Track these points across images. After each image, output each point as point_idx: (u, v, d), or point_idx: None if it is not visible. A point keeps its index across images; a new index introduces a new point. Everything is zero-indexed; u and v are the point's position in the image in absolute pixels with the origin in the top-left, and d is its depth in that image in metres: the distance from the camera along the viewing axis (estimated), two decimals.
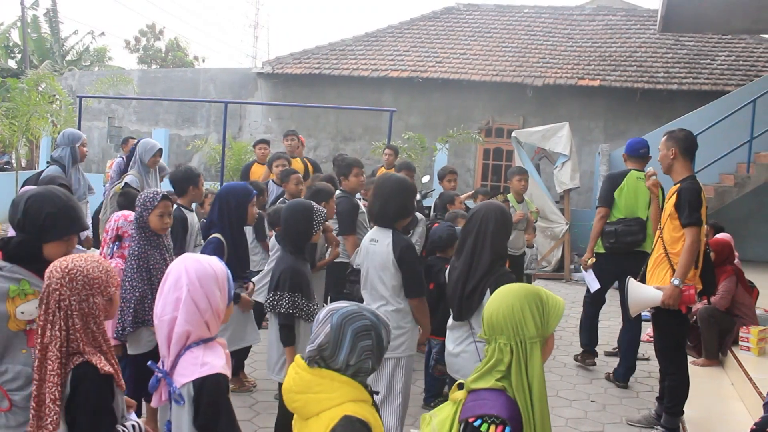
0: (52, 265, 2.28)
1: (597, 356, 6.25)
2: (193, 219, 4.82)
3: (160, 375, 2.27)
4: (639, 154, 5.87)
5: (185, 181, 4.83)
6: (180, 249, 4.65)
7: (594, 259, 5.86)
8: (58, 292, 2.19)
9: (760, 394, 4.63)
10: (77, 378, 2.19)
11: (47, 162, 6.36)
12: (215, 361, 2.21)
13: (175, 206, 4.85)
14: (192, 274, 2.24)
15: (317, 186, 5.28)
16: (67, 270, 2.22)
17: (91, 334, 2.23)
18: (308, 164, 8.39)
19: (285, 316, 3.80)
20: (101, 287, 2.26)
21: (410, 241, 3.81)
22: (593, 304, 6.12)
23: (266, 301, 3.95)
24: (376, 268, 3.75)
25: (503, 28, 16.14)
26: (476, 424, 2.04)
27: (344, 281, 5.38)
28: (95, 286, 2.24)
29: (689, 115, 11.23)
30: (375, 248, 3.77)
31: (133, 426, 2.36)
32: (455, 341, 3.58)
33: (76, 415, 2.19)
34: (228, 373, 2.25)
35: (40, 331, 2.20)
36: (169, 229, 4.18)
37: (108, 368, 2.23)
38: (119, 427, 2.30)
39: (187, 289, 2.22)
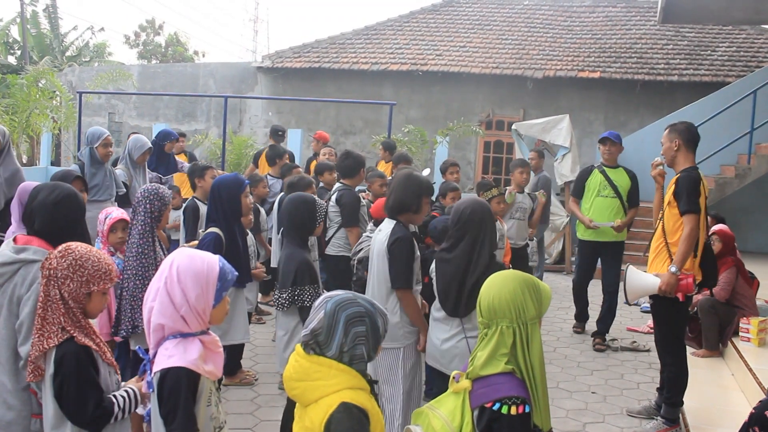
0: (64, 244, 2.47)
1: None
2: (204, 210, 5.07)
3: (146, 361, 2.33)
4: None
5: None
6: (191, 237, 5.19)
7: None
8: (49, 262, 2.38)
9: (760, 384, 4.66)
10: (59, 355, 2.31)
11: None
12: (184, 355, 2.18)
13: (189, 198, 5.62)
14: (174, 268, 2.22)
15: (292, 179, 5.35)
16: (66, 249, 2.39)
17: (71, 311, 2.36)
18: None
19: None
20: (82, 279, 2.36)
21: (409, 234, 3.75)
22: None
23: (280, 298, 3.93)
24: (376, 257, 3.76)
25: (503, 21, 16.11)
26: (495, 408, 2.10)
27: (343, 274, 5.39)
28: (77, 274, 2.36)
29: (690, 106, 11.21)
30: (378, 237, 3.78)
31: (127, 392, 2.43)
32: (444, 335, 3.58)
33: (61, 388, 2.30)
34: (201, 369, 2.20)
35: (42, 290, 2.38)
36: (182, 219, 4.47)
37: (86, 341, 2.34)
38: (109, 397, 2.38)
39: (165, 281, 2.22)
